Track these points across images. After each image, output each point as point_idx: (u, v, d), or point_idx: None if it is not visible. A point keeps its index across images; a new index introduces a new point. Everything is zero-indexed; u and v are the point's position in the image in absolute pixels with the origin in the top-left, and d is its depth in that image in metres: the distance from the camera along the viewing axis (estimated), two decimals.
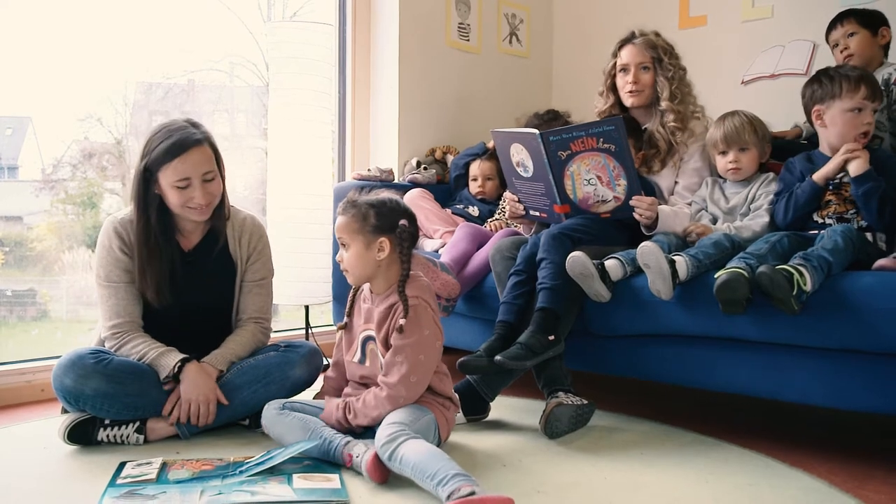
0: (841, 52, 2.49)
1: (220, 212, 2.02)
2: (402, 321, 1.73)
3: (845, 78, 2.06)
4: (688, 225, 2.23)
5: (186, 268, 1.99)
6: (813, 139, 2.37)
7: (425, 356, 1.74)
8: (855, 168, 1.99)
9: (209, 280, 2.03)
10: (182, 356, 1.89)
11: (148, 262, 1.92)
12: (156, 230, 1.93)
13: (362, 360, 1.85)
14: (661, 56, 2.43)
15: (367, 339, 1.84)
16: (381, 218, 1.77)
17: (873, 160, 2.03)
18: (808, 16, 3.02)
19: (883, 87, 2.31)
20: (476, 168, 2.98)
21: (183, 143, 1.87)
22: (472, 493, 1.38)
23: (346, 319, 1.92)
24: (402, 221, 1.80)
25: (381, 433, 1.60)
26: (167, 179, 1.88)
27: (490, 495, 1.39)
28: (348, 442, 1.69)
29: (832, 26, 2.54)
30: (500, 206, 2.83)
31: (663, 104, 2.42)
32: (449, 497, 1.41)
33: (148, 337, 1.93)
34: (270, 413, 1.81)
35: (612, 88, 2.55)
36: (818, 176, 2.06)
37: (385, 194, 1.84)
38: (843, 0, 2.83)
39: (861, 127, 2.05)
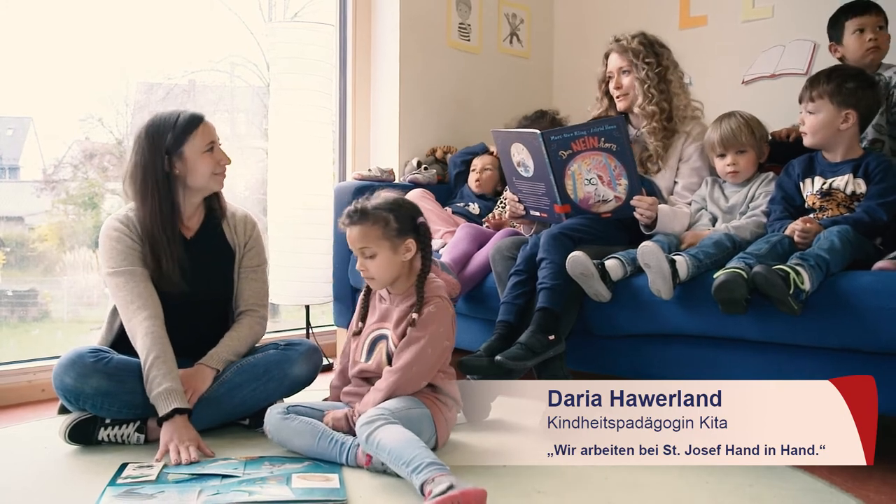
0: (868, 40, 2.33)
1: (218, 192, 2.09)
2: (414, 315, 1.76)
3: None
4: (686, 227, 2.23)
5: (191, 256, 1.99)
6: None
7: (432, 350, 1.76)
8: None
9: (213, 267, 2.05)
10: (174, 406, 1.78)
11: (159, 249, 1.94)
12: (162, 216, 1.94)
13: (367, 360, 1.86)
14: (632, 59, 2.43)
15: (378, 338, 1.85)
16: (400, 220, 1.80)
17: (865, 163, 2.03)
18: (808, 16, 3.01)
19: (884, 90, 2.30)
20: (477, 160, 3.00)
21: (193, 115, 1.98)
22: (451, 487, 1.38)
23: (360, 325, 1.91)
24: (420, 219, 1.84)
25: (362, 418, 1.61)
26: (195, 149, 1.95)
27: (468, 489, 1.39)
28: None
29: (861, 10, 2.36)
30: (500, 201, 2.83)
31: (636, 109, 2.44)
32: (423, 485, 1.41)
33: (164, 360, 1.82)
34: (274, 418, 1.79)
35: (607, 94, 2.56)
36: (789, 231, 2.01)
37: (387, 194, 1.85)
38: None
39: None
